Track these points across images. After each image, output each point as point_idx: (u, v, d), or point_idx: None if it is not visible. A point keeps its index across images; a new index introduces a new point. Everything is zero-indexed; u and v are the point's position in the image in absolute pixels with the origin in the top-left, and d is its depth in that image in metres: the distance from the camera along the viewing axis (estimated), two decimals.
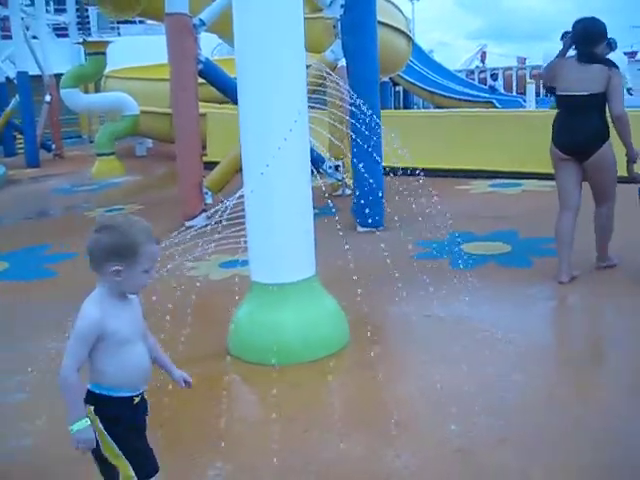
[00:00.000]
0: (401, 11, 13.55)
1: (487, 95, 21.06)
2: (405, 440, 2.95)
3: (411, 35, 13.44)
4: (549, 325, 4.44)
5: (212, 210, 4.54)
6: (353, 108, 6.07)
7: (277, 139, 3.61)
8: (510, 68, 28.14)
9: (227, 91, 7.74)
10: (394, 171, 6.25)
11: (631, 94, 13.45)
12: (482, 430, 3.05)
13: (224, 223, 4.23)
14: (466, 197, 8.63)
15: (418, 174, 5.54)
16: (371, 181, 5.95)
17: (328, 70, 6.14)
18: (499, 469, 2.77)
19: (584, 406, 3.27)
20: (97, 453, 2.18)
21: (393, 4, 12.80)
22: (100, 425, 2.15)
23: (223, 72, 7.76)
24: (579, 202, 5.33)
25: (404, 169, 6.09)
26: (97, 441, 2.14)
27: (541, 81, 5.64)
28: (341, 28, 6.77)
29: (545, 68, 5.59)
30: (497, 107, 18.06)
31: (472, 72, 28.04)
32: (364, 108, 5.79)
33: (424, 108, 21.75)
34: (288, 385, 3.43)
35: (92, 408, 2.16)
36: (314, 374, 3.70)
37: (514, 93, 24.92)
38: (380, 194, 6.52)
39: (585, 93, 4.97)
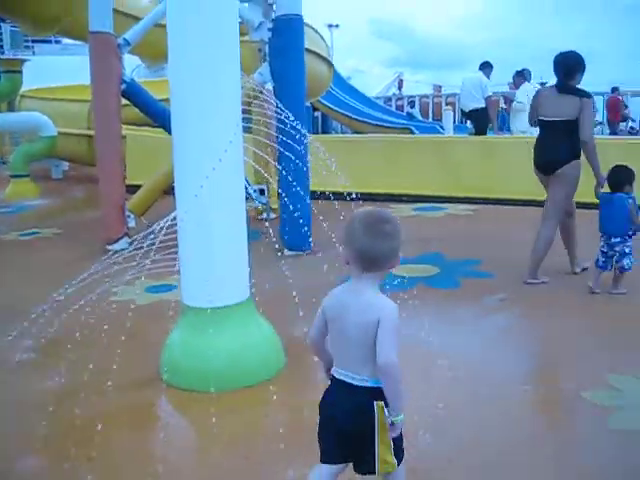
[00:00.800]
0: (323, 38, 13.70)
1: (405, 121, 21.45)
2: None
3: (332, 61, 13.56)
4: (483, 344, 4.48)
5: (143, 233, 4.41)
6: (280, 131, 6.06)
7: (212, 160, 3.54)
8: (426, 96, 28.89)
9: (151, 113, 7.61)
10: (321, 194, 6.25)
11: None
12: (431, 451, 3.04)
13: (151, 247, 4.12)
14: None
15: (345, 198, 5.55)
16: (298, 205, 5.93)
17: (262, 89, 6.12)
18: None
19: (528, 424, 3.31)
20: (364, 434, 2.24)
21: (315, 30, 12.93)
22: (379, 411, 2.24)
23: (147, 93, 7.63)
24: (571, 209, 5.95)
25: (331, 193, 6.10)
26: (376, 422, 2.22)
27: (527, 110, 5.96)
28: (269, 52, 6.77)
29: (532, 99, 6.09)
30: (415, 133, 18.41)
31: (390, 99, 28.60)
32: (292, 131, 5.78)
33: (342, 133, 21.99)
34: (225, 411, 3.34)
35: (382, 403, 2.24)
36: (251, 399, 3.62)
37: (431, 120, 25.54)
38: (307, 217, 6.51)
39: (558, 119, 5.58)
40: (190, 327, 3.83)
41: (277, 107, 5.91)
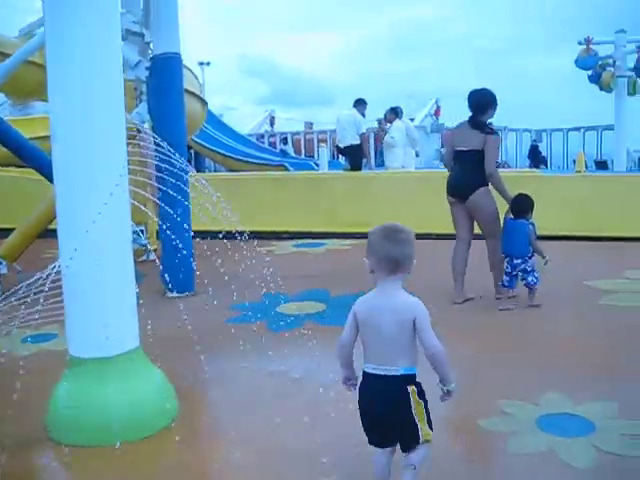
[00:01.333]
0: (196, 76, 13.62)
1: (279, 158, 21.60)
2: None
3: (205, 99, 13.50)
4: None
5: (26, 282, 4.16)
6: (161, 170, 5.92)
7: (98, 203, 3.40)
8: (298, 132, 29.27)
9: (21, 152, 7.26)
10: (201, 234, 6.16)
11: (418, 155, 14.41)
12: None
13: (32, 295, 3.89)
14: (273, 258, 8.69)
15: (224, 237, 5.49)
16: (180, 245, 5.79)
17: (145, 129, 5.98)
18: None
19: (437, 458, 3.33)
20: (405, 416, 2.69)
21: (188, 68, 12.85)
22: (418, 397, 2.70)
23: (17, 131, 7.29)
24: (468, 235, 6.44)
25: (211, 232, 6.01)
26: (412, 407, 2.68)
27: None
28: (147, 90, 6.64)
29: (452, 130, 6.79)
30: (289, 170, 18.57)
31: (262, 136, 28.74)
32: (173, 169, 5.66)
33: (216, 171, 21.88)
34: (122, 466, 3.17)
35: (415, 388, 2.71)
36: (149, 451, 3.44)
37: (304, 156, 25.87)
38: (189, 258, 6.38)
39: (466, 149, 6.16)
40: (77, 379, 3.62)
41: (157, 145, 5.79)
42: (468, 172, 6.14)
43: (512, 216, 6.04)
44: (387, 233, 2.77)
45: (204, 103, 13.19)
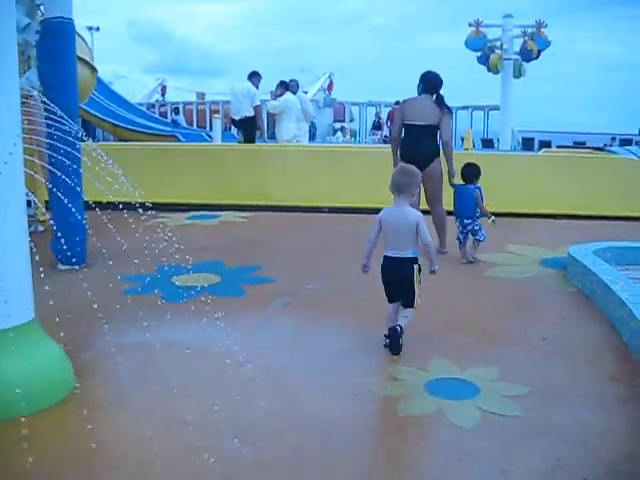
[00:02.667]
0: (85, 41, 13.15)
1: (170, 129, 21.26)
2: (165, 475, 2.89)
3: (95, 66, 13.07)
4: (281, 347, 4.61)
5: None
6: (51, 139, 5.75)
7: None
8: (190, 103, 28.80)
9: None
10: (93, 206, 6.04)
11: (313, 129, 14.49)
12: (237, 456, 3.09)
13: None
14: (166, 230, 8.61)
15: (118, 208, 5.41)
16: (72, 216, 5.66)
17: (36, 95, 5.76)
18: None
19: (333, 423, 3.46)
20: (410, 282, 4.32)
21: (78, 34, 12.39)
22: (416, 271, 4.32)
23: None
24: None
25: (103, 203, 5.91)
26: (414, 277, 4.31)
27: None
28: (37, 55, 6.41)
29: (400, 106, 7.49)
30: (181, 140, 18.33)
31: (153, 105, 28.13)
32: (65, 137, 5.51)
33: (104, 141, 21.28)
34: (21, 439, 3.12)
35: (417, 266, 4.34)
36: (48, 424, 3.40)
37: (195, 127, 25.54)
38: (81, 229, 6.26)
39: (424, 123, 6.91)
40: None
41: (48, 112, 5.62)
42: (426, 143, 6.91)
43: (462, 183, 6.80)
44: (398, 170, 4.59)
45: (94, 70, 12.75)
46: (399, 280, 4.35)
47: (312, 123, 13.65)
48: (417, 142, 6.93)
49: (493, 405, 3.61)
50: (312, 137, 18.09)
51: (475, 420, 3.45)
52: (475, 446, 3.22)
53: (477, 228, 6.72)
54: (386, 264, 4.39)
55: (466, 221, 6.73)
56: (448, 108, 7.08)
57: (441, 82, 7.14)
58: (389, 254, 4.37)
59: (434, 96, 7.06)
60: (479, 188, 6.73)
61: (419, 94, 7.17)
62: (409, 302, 4.37)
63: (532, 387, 3.84)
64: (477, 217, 6.75)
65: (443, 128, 6.94)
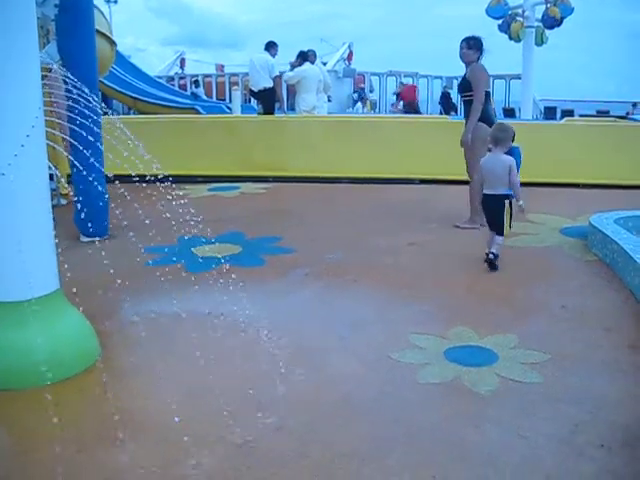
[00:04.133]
0: (103, 14, 13.12)
1: (190, 101, 21.22)
2: (190, 442, 2.94)
3: (114, 40, 13.08)
4: (301, 316, 4.67)
5: None
6: (72, 113, 5.78)
7: (13, 147, 3.36)
8: (209, 75, 28.74)
9: None
10: (114, 178, 6.09)
11: (330, 100, 14.45)
12: (258, 421, 3.16)
13: None
14: (187, 202, 8.65)
15: (139, 181, 5.46)
16: (93, 189, 5.72)
17: (57, 68, 5.79)
18: (279, 454, 2.92)
19: (353, 390, 3.52)
20: (500, 213, 5.48)
21: (96, 7, 12.37)
22: (506, 205, 5.48)
23: None
24: None
25: (125, 176, 5.96)
26: (504, 210, 5.49)
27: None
28: (57, 29, 6.43)
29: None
30: (201, 113, 18.30)
31: (172, 78, 28.09)
32: (86, 111, 5.54)
33: (124, 114, 21.32)
34: (48, 406, 3.20)
35: (507, 201, 5.50)
36: (73, 391, 3.51)
37: (215, 99, 25.48)
38: (103, 202, 6.32)
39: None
40: (2, 323, 3.60)
41: (70, 85, 5.66)
42: None
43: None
44: (496, 126, 5.90)
45: (113, 44, 12.73)
46: (493, 212, 5.55)
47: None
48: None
49: (511, 372, 3.65)
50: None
51: (493, 387, 3.49)
52: (493, 412, 3.26)
53: None
54: (485, 199, 5.66)
55: None
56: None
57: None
58: (487, 192, 5.59)
59: None
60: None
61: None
62: (500, 230, 5.51)
63: (551, 354, 3.87)
64: None
65: None
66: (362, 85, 27.99)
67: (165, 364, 3.79)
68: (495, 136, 5.62)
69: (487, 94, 6.95)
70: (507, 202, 5.47)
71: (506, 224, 5.47)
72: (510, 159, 5.50)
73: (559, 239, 6.47)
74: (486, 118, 6.83)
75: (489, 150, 5.82)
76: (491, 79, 27.33)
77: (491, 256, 5.49)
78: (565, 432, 3.07)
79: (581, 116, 18.59)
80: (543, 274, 5.54)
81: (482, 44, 6.99)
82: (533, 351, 3.92)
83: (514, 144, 7.02)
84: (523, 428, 3.10)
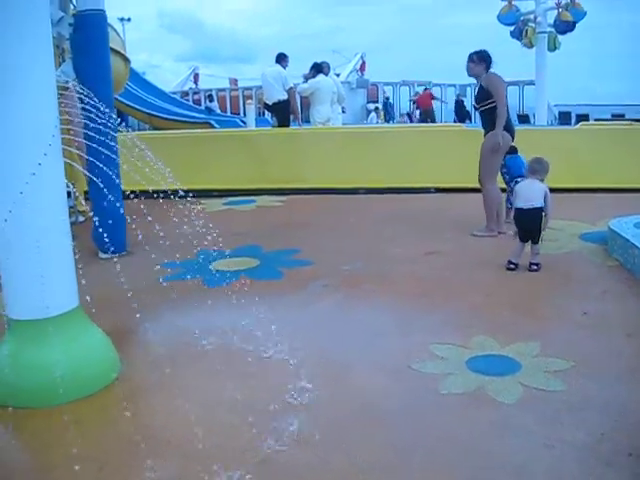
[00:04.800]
0: (117, 32, 13.24)
1: (205, 116, 21.35)
2: (211, 456, 2.92)
3: (128, 57, 13.18)
4: (321, 327, 4.65)
5: None
6: (88, 130, 5.82)
7: (31, 165, 3.38)
8: (223, 89, 28.89)
9: None
10: (131, 194, 6.11)
11: (344, 111, 14.48)
12: (280, 434, 3.14)
13: None
14: (204, 216, 8.69)
15: (155, 196, 5.47)
16: (110, 206, 5.74)
17: (74, 86, 5.84)
18: (303, 466, 2.90)
19: (375, 401, 3.49)
20: (536, 227, 5.73)
21: (110, 25, 12.49)
22: (545, 218, 5.77)
23: None
24: None
25: (141, 192, 5.98)
26: (541, 223, 5.74)
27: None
28: (72, 48, 6.49)
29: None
30: (215, 127, 18.39)
31: (187, 93, 28.29)
32: (102, 128, 5.57)
33: (139, 130, 21.45)
34: (70, 424, 3.21)
35: (544, 213, 5.77)
36: (94, 408, 3.51)
37: (229, 113, 25.62)
38: (120, 218, 6.33)
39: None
40: (18, 342, 3.62)
41: (86, 103, 5.70)
42: None
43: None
44: (533, 158, 6.05)
45: (127, 61, 12.85)
46: (531, 223, 5.76)
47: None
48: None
49: (535, 380, 3.61)
50: None
51: (517, 396, 3.45)
52: (518, 421, 3.22)
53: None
54: (521, 213, 5.83)
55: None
56: None
57: None
58: (523, 206, 5.79)
59: None
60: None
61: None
62: (537, 239, 5.77)
63: (574, 362, 3.83)
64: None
65: None
66: (387, 95, 28.19)
67: (185, 380, 3.78)
68: (532, 167, 5.97)
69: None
70: (543, 214, 5.73)
71: (542, 233, 5.76)
72: (545, 186, 5.81)
73: (579, 245, 6.42)
74: (506, 126, 6.88)
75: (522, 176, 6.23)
76: (505, 86, 27.45)
77: (534, 267, 5.72)
78: (591, 441, 3.02)
79: (596, 120, 18.47)
80: (564, 281, 5.50)
81: (487, 55, 7.03)
82: (556, 359, 3.88)
83: (518, 154, 7.32)
84: (549, 437, 3.06)
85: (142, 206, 5.72)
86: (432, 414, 3.38)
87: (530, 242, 5.79)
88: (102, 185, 5.77)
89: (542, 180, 5.92)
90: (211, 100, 26.34)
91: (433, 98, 26.09)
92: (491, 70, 6.99)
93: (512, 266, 5.73)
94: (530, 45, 18.76)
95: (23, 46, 3.46)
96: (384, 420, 3.32)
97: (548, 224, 5.85)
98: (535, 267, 5.71)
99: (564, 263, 5.92)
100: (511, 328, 4.41)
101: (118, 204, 6.27)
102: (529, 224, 5.78)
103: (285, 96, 11.75)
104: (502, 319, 4.61)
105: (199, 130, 15.56)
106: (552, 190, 5.83)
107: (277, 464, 2.92)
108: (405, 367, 3.86)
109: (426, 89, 26.27)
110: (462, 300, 5.05)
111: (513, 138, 7.08)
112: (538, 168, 5.98)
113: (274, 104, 11.95)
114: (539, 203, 5.74)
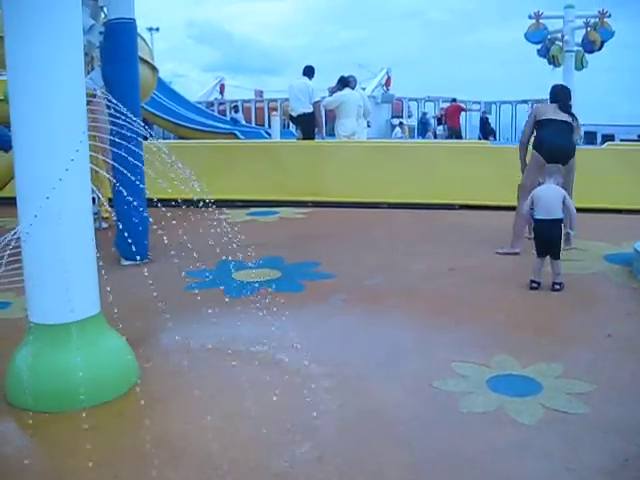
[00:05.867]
0: (145, 41, 13.38)
1: (230, 127, 21.45)
2: (227, 468, 2.90)
3: (156, 66, 13.30)
4: (340, 342, 4.63)
5: None
6: (115, 137, 5.85)
7: (58, 170, 3.40)
8: (248, 101, 29.02)
9: None
10: (155, 202, 6.13)
11: (369, 125, 14.49)
12: (296, 449, 3.11)
13: None
14: (227, 226, 8.70)
15: (179, 205, 5.49)
16: (135, 213, 5.77)
17: (101, 94, 5.89)
18: None
19: (394, 419, 3.46)
20: (556, 240, 5.66)
21: (139, 34, 12.61)
22: (562, 229, 5.77)
23: None
24: None
25: (165, 200, 6.00)
26: (561, 236, 5.78)
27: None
28: (101, 56, 6.55)
29: (533, 110, 7.51)
30: (240, 138, 18.48)
31: (212, 104, 28.44)
32: (128, 137, 5.61)
33: (164, 139, 21.58)
34: (86, 430, 3.21)
35: (563, 225, 5.76)
36: (111, 415, 3.50)
37: (254, 124, 25.72)
38: (144, 225, 6.36)
39: (564, 119, 6.96)
40: (38, 346, 3.62)
41: (114, 110, 5.75)
42: (570, 137, 6.96)
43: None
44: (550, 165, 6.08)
45: (155, 70, 12.98)
46: (549, 236, 5.63)
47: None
48: (563, 134, 6.92)
49: (556, 402, 3.56)
50: None
51: (538, 417, 3.40)
52: (538, 443, 3.17)
53: None
54: (540, 225, 5.71)
55: None
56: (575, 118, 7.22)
57: (568, 93, 7.39)
58: (542, 217, 5.65)
59: (558, 104, 7.13)
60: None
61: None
62: (557, 254, 5.61)
63: (597, 384, 3.77)
64: None
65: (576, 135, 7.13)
66: (400, 112, 28.02)
67: (204, 390, 3.76)
68: (550, 169, 5.91)
69: (539, 123, 7.00)
70: (562, 225, 5.67)
71: (562, 248, 5.66)
72: (561, 189, 5.72)
73: (603, 266, 6.34)
74: (536, 145, 6.90)
75: (539, 183, 6.03)
76: (530, 103, 27.33)
77: (557, 287, 5.58)
78: (614, 466, 2.97)
79: (622, 140, 18.34)
80: (587, 302, 5.44)
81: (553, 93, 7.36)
82: (578, 381, 3.82)
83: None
84: (570, 461, 3.01)
85: (166, 214, 5.75)
86: (452, 433, 3.34)
87: (550, 258, 5.65)
88: (126, 192, 5.81)
89: (559, 184, 5.80)
90: (236, 111, 26.46)
91: (463, 110, 25.62)
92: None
93: (535, 285, 5.61)
94: (557, 64, 18.67)
95: (54, 53, 3.49)
96: (402, 437, 3.28)
97: (571, 234, 6.07)
98: (558, 287, 5.57)
99: (588, 284, 5.85)
100: (533, 348, 4.36)
101: (142, 211, 6.32)
102: (549, 237, 5.65)
103: (310, 109, 11.77)
104: (524, 339, 4.55)
105: (224, 140, 15.64)
106: (577, 210, 5.76)
107: (291, 479, 2.89)
108: (426, 385, 3.82)
109: (454, 100, 25.81)
110: (484, 318, 5.00)
111: (550, 154, 6.80)
112: (554, 170, 5.88)
113: (299, 116, 11.97)
114: (559, 214, 5.61)
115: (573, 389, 3.72)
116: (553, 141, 6.81)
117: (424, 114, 28.38)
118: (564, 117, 6.93)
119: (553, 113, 6.99)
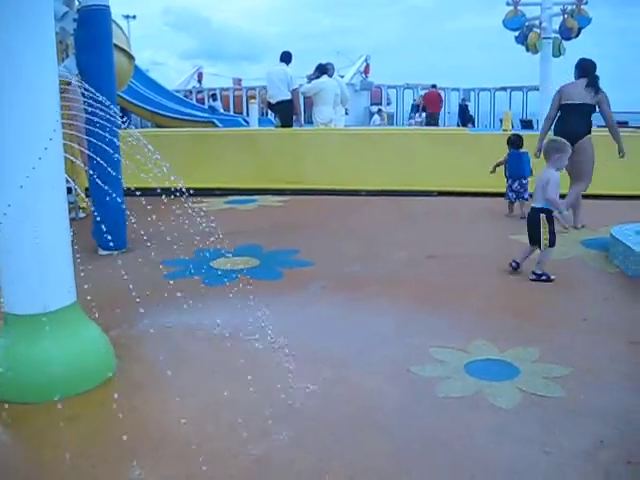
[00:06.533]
0: (122, 29, 13.24)
1: (208, 115, 21.32)
2: (205, 458, 2.89)
3: (132, 54, 13.17)
4: (319, 329, 4.62)
5: None
6: (90, 126, 5.79)
7: (31, 159, 3.36)
8: (227, 89, 28.85)
9: None
10: (132, 191, 6.09)
11: (347, 113, 14.46)
12: (274, 436, 3.11)
13: None
14: (205, 214, 8.65)
15: (157, 194, 5.45)
16: (111, 202, 5.71)
17: (76, 82, 5.82)
18: (297, 469, 2.87)
19: (371, 404, 3.46)
20: (536, 226, 5.55)
21: (115, 22, 12.46)
22: (546, 222, 5.51)
23: None
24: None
25: (143, 189, 5.96)
26: (540, 222, 5.53)
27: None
28: (75, 44, 6.47)
29: (559, 90, 7.69)
30: (218, 126, 18.37)
31: (190, 92, 28.26)
32: (103, 125, 5.55)
33: (142, 128, 21.41)
34: (64, 420, 3.18)
35: (543, 214, 5.52)
36: (89, 405, 3.47)
37: (232, 113, 25.59)
38: (121, 215, 6.32)
39: (578, 102, 7.35)
40: (14, 336, 3.59)
41: (89, 98, 5.68)
42: (579, 120, 7.34)
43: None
44: (550, 141, 6.08)
45: (131, 58, 12.85)
46: (531, 225, 5.64)
47: None
48: (572, 118, 7.33)
49: (534, 386, 3.58)
50: None
51: (515, 401, 3.43)
52: (516, 427, 3.20)
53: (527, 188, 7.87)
54: (529, 212, 5.81)
55: (524, 181, 7.97)
56: (603, 92, 7.39)
57: (594, 67, 7.54)
58: (532, 205, 5.74)
59: (586, 80, 7.41)
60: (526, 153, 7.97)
61: (575, 79, 7.59)
62: (538, 244, 5.58)
63: (573, 368, 3.80)
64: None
65: (603, 111, 7.40)
66: (379, 100, 27.91)
67: (181, 379, 3.74)
68: (546, 150, 5.86)
69: (562, 107, 7.49)
70: (543, 216, 5.51)
71: (544, 238, 5.50)
72: (549, 174, 5.54)
73: (580, 251, 6.40)
74: (556, 130, 7.43)
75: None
76: (509, 90, 27.42)
77: (533, 277, 5.52)
78: (590, 448, 3.00)
79: (599, 127, 18.46)
80: (565, 287, 5.47)
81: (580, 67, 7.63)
82: (555, 365, 3.85)
83: (523, 149, 7.79)
84: (547, 444, 3.03)
85: (143, 203, 5.70)
86: (429, 418, 3.35)
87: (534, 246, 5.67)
88: (102, 181, 5.76)
89: (559, 169, 5.70)
90: (214, 99, 26.30)
91: (441, 100, 25.58)
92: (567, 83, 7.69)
93: (514, 264, 5.67)
94: (535, 50, 18.72)
95: (26, 41, 3.44)
96: (380, 423, 3.29)
97: (563, 215, 6.19)
98: (534, 277, 5.52)
99: (565, 269, 5.89)
100: (511, 333, 4.39)
101: (119, 201, 6.25)
102: (529, 224, 5.70)
103: (289, 96, 11.72)
104: (502, 324, 4.58)
105: (202, 128, 15.55)
106: (561, 197, 5.79)
107: (271, 468, 2.89)
108: (403, 370, 3.83)
109: (434, 86, 25.73)
110: (463, 304, 5.02)
111: (559, 133, 7.16)
112: (547, 150, 5.80)
113: (277, 103, 11.92)
114: (539, 203, 5.56)
115: (550, 373, 3.75)
116: (563, 125, 7.36)
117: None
118: (583, 99, 7.28)
119: (576, 95, 7.33)
